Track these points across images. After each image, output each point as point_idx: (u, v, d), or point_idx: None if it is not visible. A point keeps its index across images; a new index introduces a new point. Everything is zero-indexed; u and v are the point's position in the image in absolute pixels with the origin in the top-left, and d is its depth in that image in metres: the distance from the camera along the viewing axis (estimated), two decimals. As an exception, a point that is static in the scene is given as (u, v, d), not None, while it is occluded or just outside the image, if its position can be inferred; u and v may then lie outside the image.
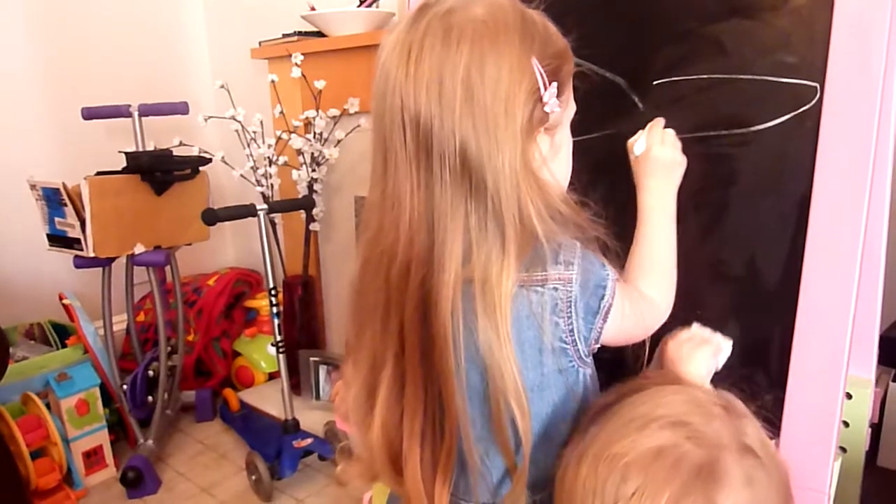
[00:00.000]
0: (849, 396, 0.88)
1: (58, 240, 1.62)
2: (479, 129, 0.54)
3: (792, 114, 0.73)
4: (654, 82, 0.82)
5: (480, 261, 0.56)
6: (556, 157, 0.62)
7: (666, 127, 0.77)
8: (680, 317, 0.74)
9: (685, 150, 0.78)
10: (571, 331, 0.59)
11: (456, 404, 0.58)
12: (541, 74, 0.56)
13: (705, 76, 0.78)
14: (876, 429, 1.26)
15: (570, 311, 0.59)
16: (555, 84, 0.58)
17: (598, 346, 0.63)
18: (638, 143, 0.74)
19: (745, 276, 0.77)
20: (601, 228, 0.61)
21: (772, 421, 0.74)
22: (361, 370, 0.63)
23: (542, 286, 0.58)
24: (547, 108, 0.57)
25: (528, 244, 0.56)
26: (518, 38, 0.56)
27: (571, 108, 0.65)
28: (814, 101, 0.72)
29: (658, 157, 0.74)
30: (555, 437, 0.63)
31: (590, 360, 0.64)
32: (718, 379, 0.77)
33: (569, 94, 0.63)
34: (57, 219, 1.59)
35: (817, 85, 0.72)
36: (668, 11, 0.82)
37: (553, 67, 0.58)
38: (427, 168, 0.56)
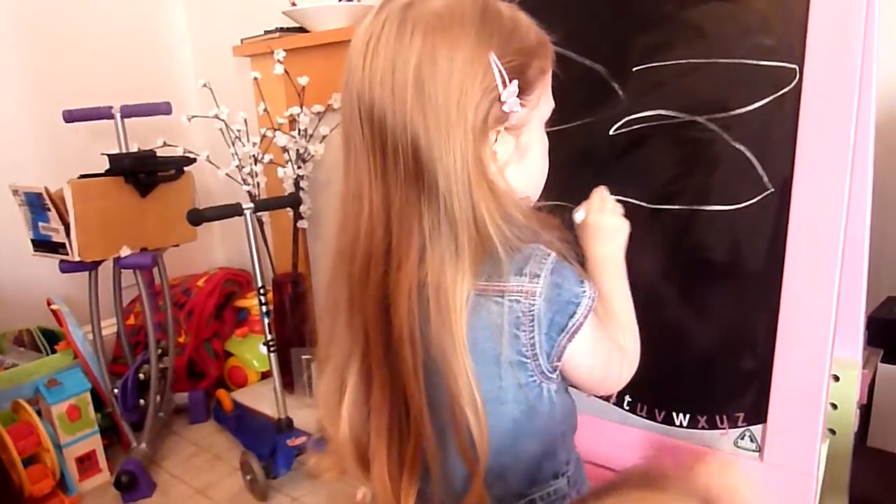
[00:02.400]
0: (836, 379, 0.88)
1: (42, 245, 1.60)
2: (430, 125, 0.53)
3: (772, 97, 0.73)
4: (634, 68, 0.81)
5: (434, 263, 0.54)
6: (523, 159, 0.60)
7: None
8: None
9: (669, 134, 0.77)
10: (533, 345, 0.57)
11: (417, 404, 0.57)
12: (499, 71, 0.54)
13: (684, 61, 0.78)
14: (866, 409, 1.27)
15: (533, 325, 0.56)
16: (515, 82, 0.55)
17: (560, 363, 0.60)
18: (579, 213, 0.72)
19: (729, 261, 0.77)
20: (561, 236, 0.58)
21: (759, 405, 0.74)
22: (331, 365, 0.62)
23: (502, 297, 0.56)
24: (505, 108, 0.55)
25: (484, 250, 0.54)
26: (475, 33, 0.54)
27: (545, 107, 0.62)
28: (793, 84, 0.72)
29: (597, 223, 0.71)
30: (522, 454, 0.61)
31: (556, 375, 0.61)
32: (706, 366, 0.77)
33: (540, 92, 0.60)
34: (41, 224, 1.58)
35: (796, 67, 0.71)
36: (647, -3, 0.82)
37: (517, 64, 0.56)
38: (383, 162, 0.55)
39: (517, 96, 0.56)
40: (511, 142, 0.58)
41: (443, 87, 0.53)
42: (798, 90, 0.71)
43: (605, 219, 0.70)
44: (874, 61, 0.72)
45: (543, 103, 0.61)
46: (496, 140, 0.57)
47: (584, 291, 0.57)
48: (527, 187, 0.62)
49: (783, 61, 0.72)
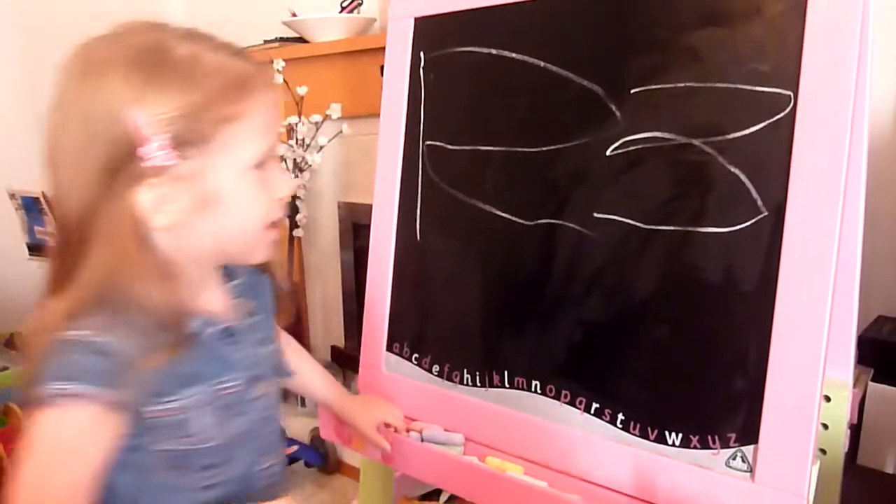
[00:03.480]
0: (827, 399, 0.89)
1: (38, 249, 1.61)
2: (62, 179, 0.53)
3: (767, 122, 0.74)
4: (632, 91, 0.82)
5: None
6: (215, 210, 0.56)
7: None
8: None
9: (665, 157, 0.79)
10: None
11: None
12: (142, 126, 0.51)
13: (681, 84, 0.79)
14: (856, 428, 1.28)
15: None
16: (161, 136, 0.52)
17: None
18: None
19: (722, 282, 0.77)
20: (174, 335, 0.55)
21: (751, 426, 0.75)
22: None
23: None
24: (149, 163, 0.52)
25: (77, 304, 0.53)
26: (120, 81, 0.52)
27: (240, 153, 0.57)
28: (788, 109, 0.73)
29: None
30: None
31: None
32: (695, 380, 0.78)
33: (228, 139, 0.56)
34: (37, 228, 1.58)
35: (791, 93, 0.72)
36: (646, 20, 0.82)
37: (181, 115, 0.53)
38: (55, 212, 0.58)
39: (178, 148, 0.53)
40: (184, 196, 0.55)
41: (72, 139, 0.53)
42: (792, 116, 0.72)
43: None
44: (867, 87, 0.73)
45: (237, 149, 0.57)
46: (154, 195, 0.54)
47: (60, 391, 0.51)
48: (228, 239, 0.60)
49: (778, 87, 0.73)
